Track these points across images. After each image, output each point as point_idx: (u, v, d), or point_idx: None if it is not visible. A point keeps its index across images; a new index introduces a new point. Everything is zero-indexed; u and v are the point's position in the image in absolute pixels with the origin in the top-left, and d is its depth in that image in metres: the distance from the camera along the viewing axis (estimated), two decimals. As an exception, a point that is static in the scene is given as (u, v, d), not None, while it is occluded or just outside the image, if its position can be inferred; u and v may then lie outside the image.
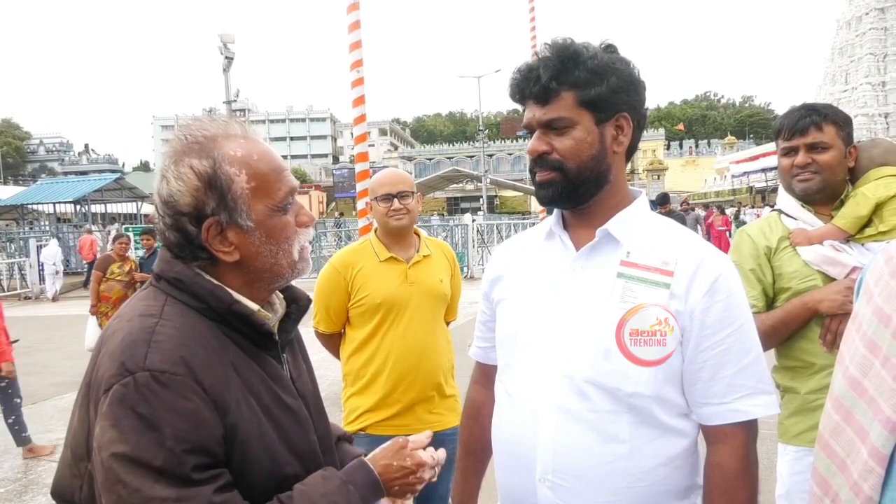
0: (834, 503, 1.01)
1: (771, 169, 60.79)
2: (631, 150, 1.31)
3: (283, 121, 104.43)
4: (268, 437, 1.04)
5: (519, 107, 1.32)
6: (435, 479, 1.23)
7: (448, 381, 2.52)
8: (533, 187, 1.30)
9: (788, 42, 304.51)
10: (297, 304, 1.23)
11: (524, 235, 1.50)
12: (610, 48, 1.27)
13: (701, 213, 20.53)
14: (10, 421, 4.99)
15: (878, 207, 1.88)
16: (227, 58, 19.38)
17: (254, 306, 1.09)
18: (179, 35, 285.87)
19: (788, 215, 2.03)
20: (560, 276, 1.29)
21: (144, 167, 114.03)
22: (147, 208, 29.30)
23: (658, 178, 50.63)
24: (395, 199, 2.42)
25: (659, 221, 1.33)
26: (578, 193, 1.27)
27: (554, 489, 1.22)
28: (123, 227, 19.80)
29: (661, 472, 1.23)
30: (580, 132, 1.23)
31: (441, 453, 1.25)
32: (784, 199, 2.07)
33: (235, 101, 20.74)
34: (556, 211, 1.36)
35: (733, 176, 65.84)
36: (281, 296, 1.22)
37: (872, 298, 1.01)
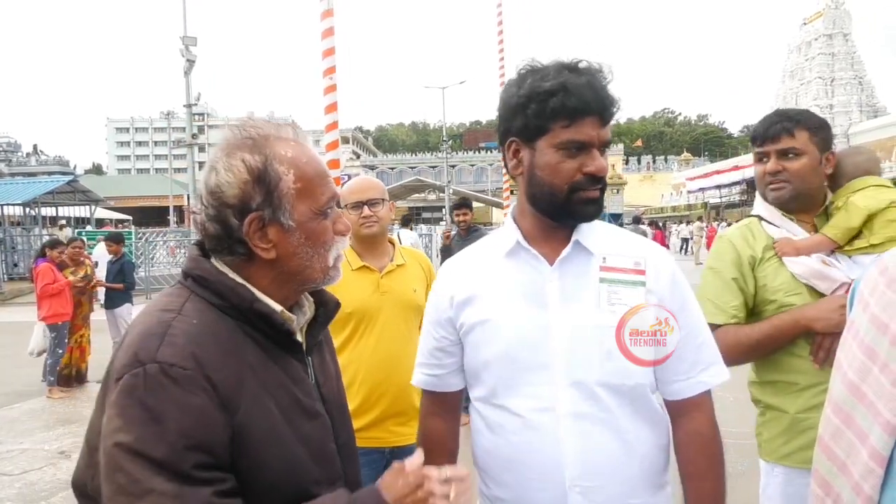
0: (836, 503, 1.06)
1: (725, 185, 62.66)
2: None
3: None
4: (282, 439, 1.03)
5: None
6: (452, 496, 1.13)
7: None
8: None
9: (742, 64, 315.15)
10: (325, 308, 1.23)
11: (474, 255, 1.48)
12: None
13: (647, 229, 21.64)
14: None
15: (868, 219, 1.79)
16: (188, 60, 19.03)
17: (276, 307, 1.09)
18: (136, 34, 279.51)
19: (770, 222, 1.93)
20: (542, 288, 1.34)
21: (97, 170, 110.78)
22: (101, 212, 28.39)
23: (617, 193, 51.44)
24: (365, 207, 2.41)
25: (613, 229, 1.46)
26: None
27: (584, 493, 1.29)
28: (76, 231, 19.15)
29: (655, 454, 1.37)
30: None
31: (451, 470, 1.16)
32: (764, 206, 1.97)
33: (196, 104, 20.36)
34: (515, 228, 1.41)
35: (689, 192, 67.67)
36: (311, 299, 1.23)
37: (868, 307, 1.07)
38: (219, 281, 1.06)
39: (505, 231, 1.43)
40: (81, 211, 25.48)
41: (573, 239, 1.34)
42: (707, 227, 31.41)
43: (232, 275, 1.08)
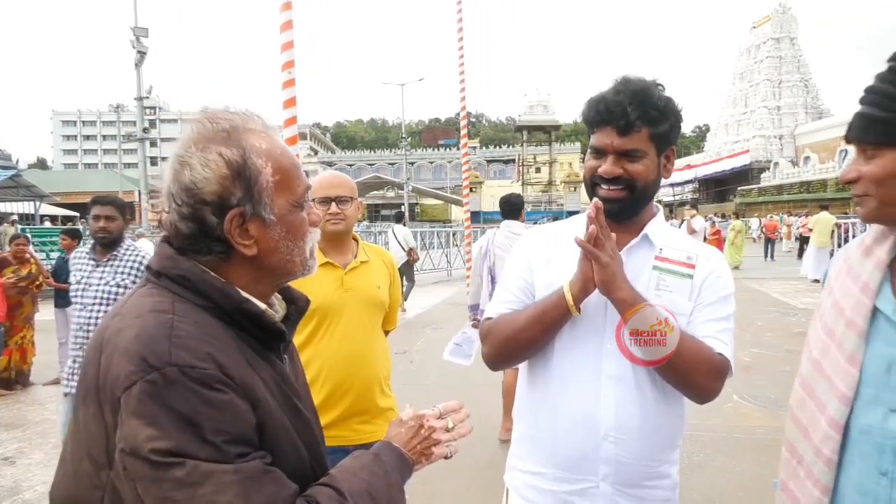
0: (800, 464, 1.20)
1: (678, 184, 64.14)
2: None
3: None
4: (292, 434, 1.03)
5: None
6: (451, 427, 1.28)
7: (385, 391, 2.46)
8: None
9: (694, 66, 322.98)
10: (296, 306, 1.22)
11: (557, 232, 1.69)
12: (661, 86, 1.53)
13: None
14: None
15: None
16: (139, 52, 18.49)
17: (262, 306, 1.07)
18: (84, 23, 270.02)
19: None
20: None
21: (41, 164, 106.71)
22: (46, 208, 27.38)
23: (574, 191, 52.18)
24: (333, 203, 2.37)
25: (672, 228, 1.67)
26: (636, 208, 1.55)
27: (616, 443, 1.48)
28: (20, 227, 18.43)
29: (675, 419, 1.54)
30: (649, 161, 1.50)
31: (443, 405, 1.30)
32: None
33: (148, 97, 19.79)
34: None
35: (647, 189, 68.92)
36: (279, 297, 1.20)
37: (832, 292, 1.21)
38: (203, 281, 1.01)
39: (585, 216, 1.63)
40: (25, 207, 24.54)
41: (643, 232, 1.55)
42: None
43: (213, 274, 1.03)
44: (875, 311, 1.12)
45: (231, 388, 0.93)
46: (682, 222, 15.61)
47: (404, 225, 12.57)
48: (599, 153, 1.52)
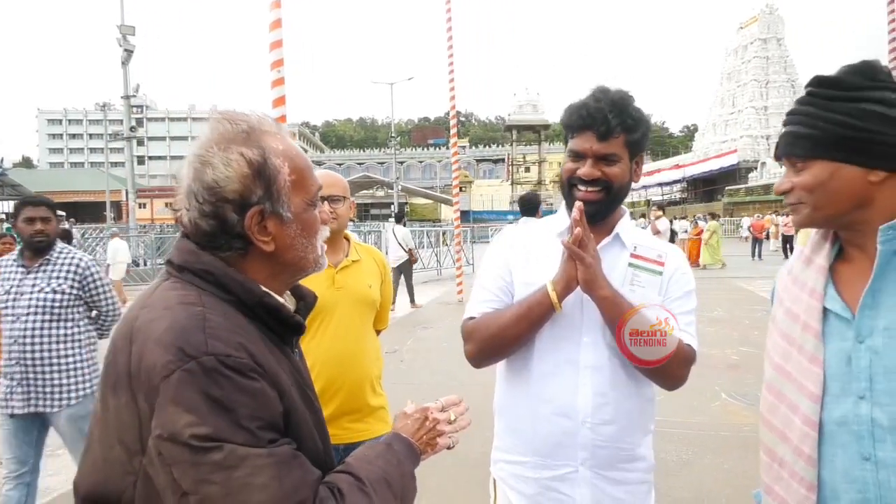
0: (782, 466, 1.25)
1: (667, 183, 64.51)
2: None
3: (185, 119, 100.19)
4: (309, 423, 1.08)
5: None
6: (453, 419, 1.33)
7: (376, 390, 2.46)
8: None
9: (682, 65, 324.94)
10: (304, 302, 1.26)
11: (533, 231, 1.79)
12: (632, 97, 1.63)
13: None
14: None
15: None
16: (126, 50, 18.38)
17: (281, 300, 1.12)
18: (69, 20, 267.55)
19: None
20: None
21: (27, 163, 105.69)
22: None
23: (563, 190, 52.26)
24: (326, 202, 2.36)
25: (638, 228, 1.77)
26: (610, 209, 1.65)
27: (593, 429, 1.59)
28: (6, 227, 18.24)
29: (646, 403, 1.66)
30: (623, 165, 1.61)
31: (445, 398, 1.35)
32: None
33: (135, 96, 19.68)
34: (567, 214, 1.67)
35: (632, 189, 69.43)
36: (289, 292, 1.25)
37: (783, 302, 1.32)
38: (226, 275, 1.06)
39: (560, 216, 1.74)
40: (10, 206, 24.31)
41: (615, 232, 1.65)
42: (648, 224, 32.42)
43: (234, 269, 1.08)
44: (825, 312, 1.22)
45: (262, 376, 0.98)
46: (647, 223, 15.83)
47: (404, 225, 12.63)
48: (578, 157, 1.61)
